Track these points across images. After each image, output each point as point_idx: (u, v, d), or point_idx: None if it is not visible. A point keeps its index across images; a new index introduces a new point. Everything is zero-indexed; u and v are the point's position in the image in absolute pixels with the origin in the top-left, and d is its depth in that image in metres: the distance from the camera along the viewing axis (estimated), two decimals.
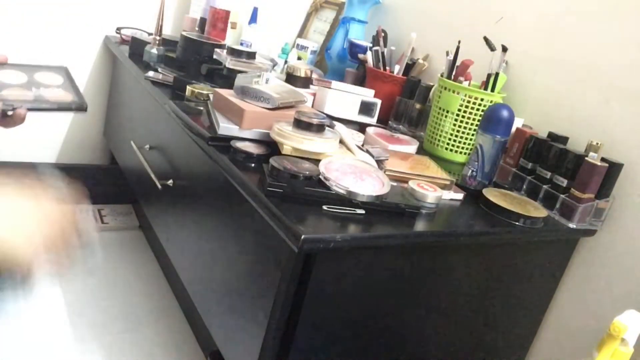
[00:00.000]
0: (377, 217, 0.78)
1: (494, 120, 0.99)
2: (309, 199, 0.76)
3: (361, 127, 1.22)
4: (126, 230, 1.84)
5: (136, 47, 1.52)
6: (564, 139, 1.09)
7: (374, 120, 1.27)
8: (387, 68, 1.47)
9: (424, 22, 1.61)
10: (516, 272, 1.00)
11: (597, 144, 1.00)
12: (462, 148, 1.22)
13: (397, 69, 1.46)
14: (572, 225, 0.98)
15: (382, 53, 1.47)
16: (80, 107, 0.75)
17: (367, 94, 1.30)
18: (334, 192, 0.77)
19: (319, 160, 0.85)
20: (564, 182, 1.01)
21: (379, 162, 0.95)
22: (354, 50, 1.60)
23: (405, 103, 1.36)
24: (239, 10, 1.74)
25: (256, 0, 1.76)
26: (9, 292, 0.53)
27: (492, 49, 1.14)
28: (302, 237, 0.66)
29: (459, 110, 1.19)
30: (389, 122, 1.39)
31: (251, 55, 1.29)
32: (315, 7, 1.96)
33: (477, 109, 1.18)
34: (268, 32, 1.79)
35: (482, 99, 1.17)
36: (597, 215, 1.02)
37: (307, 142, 0.87)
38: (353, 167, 0.86)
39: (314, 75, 1.40)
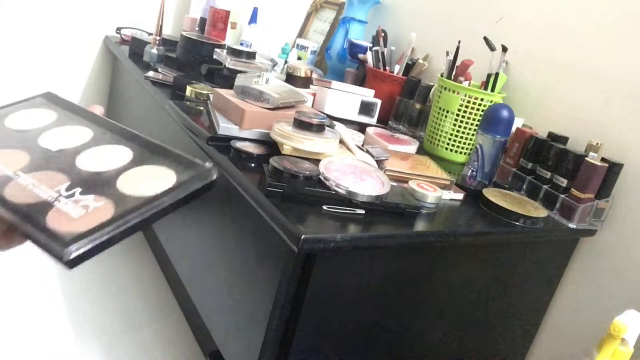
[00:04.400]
0: (377, 217, 0.78)
1: (494, 120, 0.99)
2: (309, 199, 0.76)
3: (361, 127, 1.22)
4: None
5: (136, 47, 1.52)
6: (564, 139, 1.09)
7: (374, 120, 1.27)
8: (387, 68, 1.47)
9: (424, 22, 1.61)
10: (516, 272, 1.00)
11: (597, 144, 1.00)
12: (462, 148, 1.22)
13: (397, 69, 1.46)
14: (572, 225, 0.98)
15: (382, 53, 1.47)
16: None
17: (367, 94, 1.30)
18: (334, 192, 0.77)
19: (319, 160, 0.84)
20: (564, 182, 1.01)
21: (379, 162, 0.95)
22: (354, 50, 1.59)
23: (405, 103, 1.36)
24: (239, 10, 1.75)
25: (256, 0, 1.76)
26: None
27: (492, 49, 1.14)
28: (302, 237, 0.66)
29: (459, 110, 1.19)
30: (389, 122, 1.39)
31: (251, 55, 1.29)
32: (315, 7, 1.96)
33: (477, 109, 1.17)
34: (268, 32, 1.79)
35: (482, 99, 1.17)
36: (597, 215, 1.02)
37: (307, 142, 0.87)
38: (353, 167, 0.85)
39: (314, 75, 1.40)
